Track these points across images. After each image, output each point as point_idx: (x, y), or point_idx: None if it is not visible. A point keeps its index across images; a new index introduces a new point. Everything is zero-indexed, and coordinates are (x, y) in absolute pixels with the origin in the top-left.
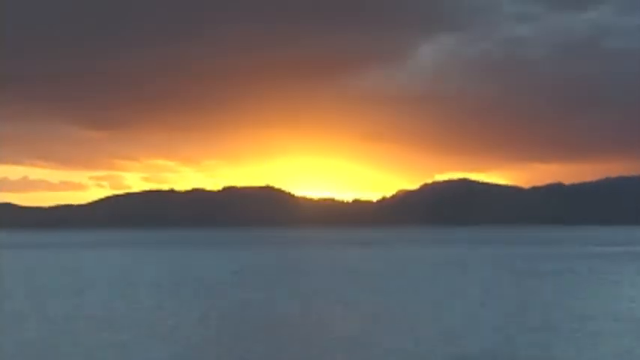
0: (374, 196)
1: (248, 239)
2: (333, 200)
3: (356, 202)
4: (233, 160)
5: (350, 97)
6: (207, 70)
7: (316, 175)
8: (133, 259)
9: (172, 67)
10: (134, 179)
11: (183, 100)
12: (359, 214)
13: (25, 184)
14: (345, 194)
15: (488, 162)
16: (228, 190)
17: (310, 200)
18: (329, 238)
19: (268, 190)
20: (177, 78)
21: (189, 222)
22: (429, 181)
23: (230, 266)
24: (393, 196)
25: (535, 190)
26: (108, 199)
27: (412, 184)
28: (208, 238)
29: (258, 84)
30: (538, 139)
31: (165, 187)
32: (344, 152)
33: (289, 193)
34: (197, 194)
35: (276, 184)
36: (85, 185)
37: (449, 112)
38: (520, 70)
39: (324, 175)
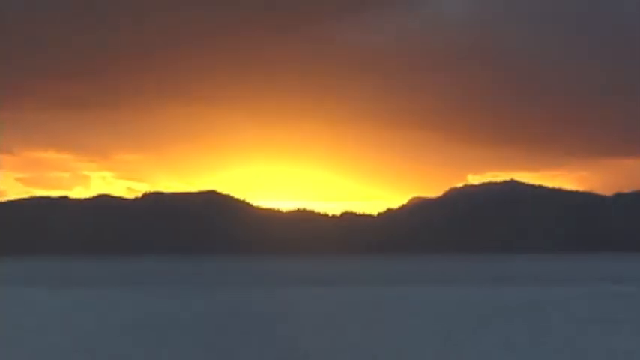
0: (374, 208)
1: (174, 274)
2: (311, 213)
3: (347, 215)
4: (160, 155)
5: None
6: None
7: (285, 177)
8: None
9: None
10: (6, 182)
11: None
12: (351, 235)
13: None
14: (329, 205)
15: (544, 157)
16: (152, 199)
17: (277, 213)
18: (303, 281)
19: (213, 197)
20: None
21: (88, 246)
22: (459, 184)
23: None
24: (404, 207)
25: (620, 198)
26: None
27: (432, 189)
28: (112, 272)
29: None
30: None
31: (54, 193)
32: (324, 144)
33: (244, 202)
34: (103, 203)
35: (225, 190)
36: None
37: (485, 83)
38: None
39: (297, 177)
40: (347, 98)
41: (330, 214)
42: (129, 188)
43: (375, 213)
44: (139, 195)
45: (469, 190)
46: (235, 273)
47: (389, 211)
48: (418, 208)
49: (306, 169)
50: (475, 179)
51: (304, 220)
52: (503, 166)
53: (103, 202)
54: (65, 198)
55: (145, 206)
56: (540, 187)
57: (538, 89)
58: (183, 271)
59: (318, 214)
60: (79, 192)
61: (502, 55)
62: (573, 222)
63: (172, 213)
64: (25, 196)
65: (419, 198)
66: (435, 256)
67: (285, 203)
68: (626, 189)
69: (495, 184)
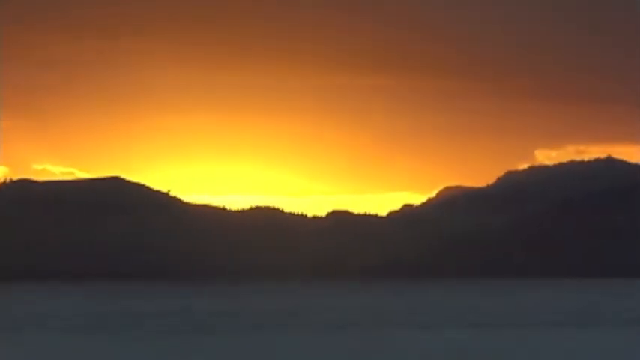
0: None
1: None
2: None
3: (301, 218)
4: (41, 129)
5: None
6: None
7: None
8: None
9: None
10: None
11: None
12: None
13: None
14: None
15: None
16: (25, 186)
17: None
18: None
19: (117, 185)
20: None
21: None
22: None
23: None
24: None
25: None
26: None
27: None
28: None
29: None
30: None
31: None
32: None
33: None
34: None
35: (131, 176)
36: None
37: None
38: None
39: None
40: None
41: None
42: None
43: (383, 213)
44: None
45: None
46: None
47: (406, 208)
48: (454, 204)
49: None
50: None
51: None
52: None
53: None
54: None
55: (15, 192)
56: None
57: None
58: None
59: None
60: None
61: None
62: None
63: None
64: None
65: (456, 188)
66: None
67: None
68: None
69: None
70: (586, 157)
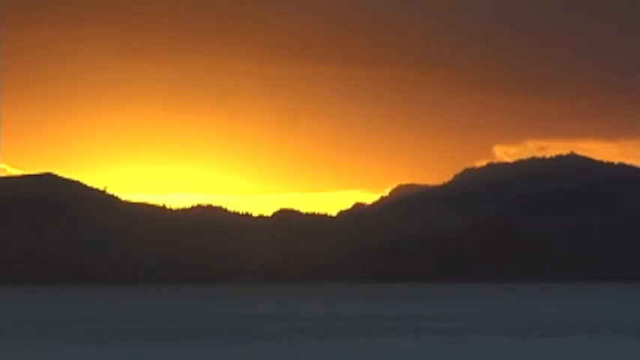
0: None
1: None
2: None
3: (246, 217)
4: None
5: None
6: None
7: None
8: None
9: None
10: None
11: None
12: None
13: None
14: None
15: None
16: None
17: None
18: None
19: (48, 181)
20: None
21: None
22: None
23: None
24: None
25: None
26: None
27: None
28: None
29: None
30: None
31: None
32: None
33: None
34: None
35: (64, 172)
36: None
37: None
38: None
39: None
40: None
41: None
42: None
43: (333, 212)
44: None
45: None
46: None
47: (357, 207)
48: (406, 202)
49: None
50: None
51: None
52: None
53: None
54: None
55: None
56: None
57: None
58: None
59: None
60: None
61: None
62: None
63: None
64: None
65: (407, 186)
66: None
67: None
68: None
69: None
70: (548, 154)
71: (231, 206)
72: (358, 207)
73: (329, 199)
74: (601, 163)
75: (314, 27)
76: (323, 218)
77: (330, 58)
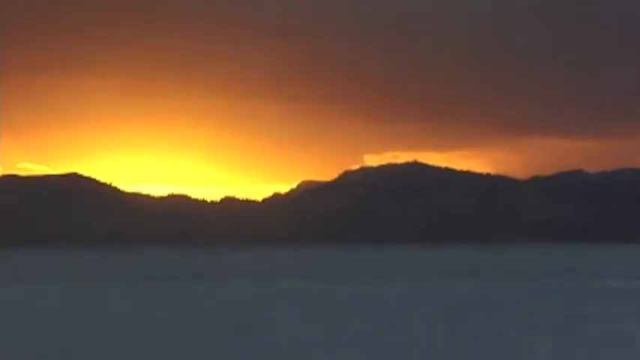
0: (258, 193)
1: None
2: (186, 199)
3: (228, 201)
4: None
5: None
6: None
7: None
8: None
9: None
10: None
11: None
12: (234, 223)
13: None
14: (206, 189)
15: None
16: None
17: (147, 198)
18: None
19: (73, 181)
20: None
21: None
22: (355, 166)
23: None
24: (292, 192)
25: (539, 181)
26: None
27: (325, 172)
28: None
29: None
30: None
31: None
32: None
33: (115, 188)
34: None
35: (89, 172)
36: None
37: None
38: None
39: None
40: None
41: (209, 200)
42: None
43: (259, 198)
44: None
45: (365, 172)
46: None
47: (275, 196)
48: (308, 193)
49: (173, 157)
50: (373, 160)
51: (179, 206)
52: (405, 145)
53: None
54: None
55: None
56: (448, 170)
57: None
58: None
59: (195, 200)
60: None
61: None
62: (485, 208)
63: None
64: None
65: (309, 182)
66: (326, 247)
67: (156, 188)
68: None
69: (398, 165)
70: (399, 161)
71: (194, 195)
72: (276, 195)
73: (257, 189)
74: (433, 167)
75: None
76: (253, 203)
77: None
